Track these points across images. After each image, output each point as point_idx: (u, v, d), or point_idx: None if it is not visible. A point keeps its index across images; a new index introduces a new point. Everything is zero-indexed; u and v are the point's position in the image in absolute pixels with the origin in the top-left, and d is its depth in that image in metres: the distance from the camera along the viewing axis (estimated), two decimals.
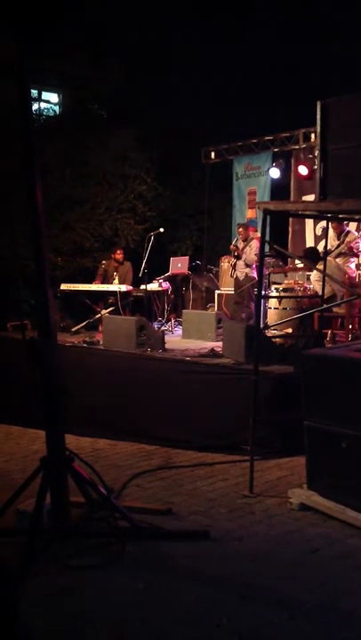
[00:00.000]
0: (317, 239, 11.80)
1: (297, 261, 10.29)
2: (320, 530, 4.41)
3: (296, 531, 4.43)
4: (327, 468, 4.68)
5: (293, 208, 5.71)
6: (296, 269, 10.32)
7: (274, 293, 8.26)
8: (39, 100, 16.65)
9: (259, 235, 10.73)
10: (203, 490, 5.29)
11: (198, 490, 5.29)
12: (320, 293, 7.27)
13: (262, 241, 5.18)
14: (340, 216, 6.19)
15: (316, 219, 9.27)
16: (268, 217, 5.06)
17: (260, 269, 5.42)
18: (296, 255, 10.17)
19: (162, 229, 10.08)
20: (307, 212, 5.69)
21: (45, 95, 17.41)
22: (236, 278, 10.51)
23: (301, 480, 5.10)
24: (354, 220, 7.62)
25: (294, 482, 5.32)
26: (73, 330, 9.51)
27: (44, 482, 4.21)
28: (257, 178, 13.56)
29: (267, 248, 6.69)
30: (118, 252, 10.85)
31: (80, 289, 10.18)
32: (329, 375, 4.61)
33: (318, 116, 4.53)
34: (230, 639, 3.15)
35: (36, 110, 14.31)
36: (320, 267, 7.33)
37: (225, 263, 11.50)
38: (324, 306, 6.71)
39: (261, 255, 5.30)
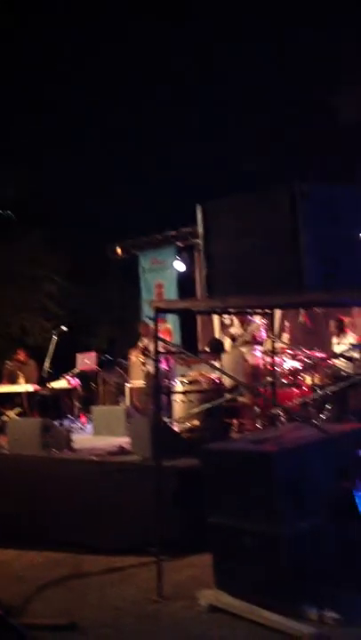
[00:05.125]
0: (224, 327, 12.06)
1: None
2: (226, 632, 4.30)
3: (200, 635, 4.30)
4: (233, 565, 4.61)
5: (183, 306, 5.84)
6: (200, 361, 10.40)
7: (179, 385, 8.29)
8: None
9: (168, 326, 10.89)
10: (111, 598, 5.09)
11: (107, 599, 5.09)
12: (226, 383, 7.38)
13: (156, 338, 5.24)
14: (230, 310, 6.36)
15: (207, 314, 9.44)
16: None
17: (156, 366, 5.47)
18: (189, 355, 9.77)
19: (65, 327, 10.07)
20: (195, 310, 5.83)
21: None
22: (147, 372, 10.53)
23: (212, 578, 4.99)
24: (246, 313, 7.85)
25: (205, 580, 5.13)
26: None
27: None
28: (163, 271, 13.86)
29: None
30: (20, 352, 10.74)
31: None
32: (226, 469, 4.63)
33: (199, 218, 4.72)
34: None
35: None
36: (223, 359, 7.48)
37: (133, 357, 11.52)
38: (228, 396, 6.80)
39: (156, 353, 5.35)
